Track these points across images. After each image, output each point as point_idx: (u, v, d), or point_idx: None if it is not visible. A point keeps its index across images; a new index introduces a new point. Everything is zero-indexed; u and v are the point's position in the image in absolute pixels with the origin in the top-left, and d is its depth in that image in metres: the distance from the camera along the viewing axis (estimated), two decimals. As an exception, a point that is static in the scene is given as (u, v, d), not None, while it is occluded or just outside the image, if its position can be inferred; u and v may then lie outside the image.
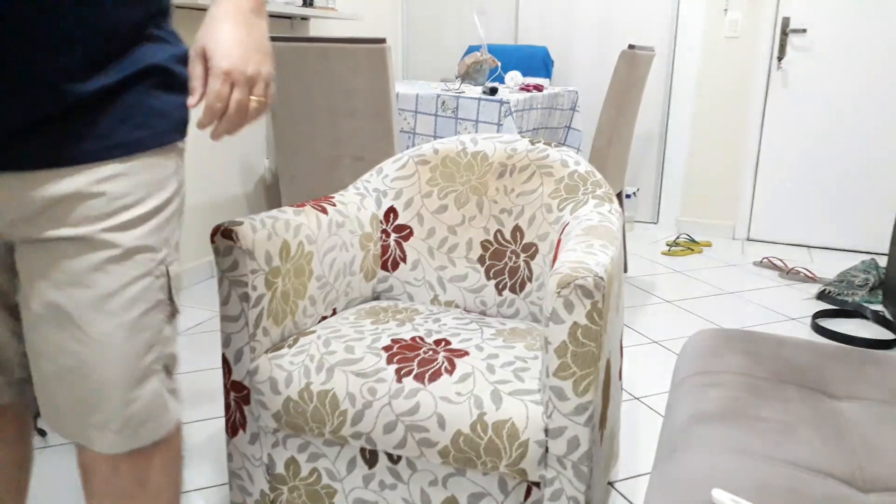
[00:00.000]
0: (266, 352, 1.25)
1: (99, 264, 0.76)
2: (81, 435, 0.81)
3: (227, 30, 0.77)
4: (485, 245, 1.53)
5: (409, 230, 1.57)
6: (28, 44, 0.68)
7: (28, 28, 0.67)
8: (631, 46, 2.46)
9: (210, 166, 2.81)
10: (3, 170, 0.73)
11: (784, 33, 3.37)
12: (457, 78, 3.11)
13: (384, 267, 1.58)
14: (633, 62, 2.50)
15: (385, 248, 1.58)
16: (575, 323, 1.01)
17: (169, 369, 0.86)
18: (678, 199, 3.73)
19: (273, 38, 2.21)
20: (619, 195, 2.94)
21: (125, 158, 0.77)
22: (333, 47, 2.11)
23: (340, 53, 2.09)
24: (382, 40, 2.02)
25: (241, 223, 1.21)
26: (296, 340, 1.27)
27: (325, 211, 1.44)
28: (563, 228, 1.41)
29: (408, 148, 2.57)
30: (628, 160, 3.00)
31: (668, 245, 3.48)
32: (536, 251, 1.48)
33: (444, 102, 2.48)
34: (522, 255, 1.50)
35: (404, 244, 1.57)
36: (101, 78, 0.73)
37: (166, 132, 0.81)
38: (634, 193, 3.75)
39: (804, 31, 3.35)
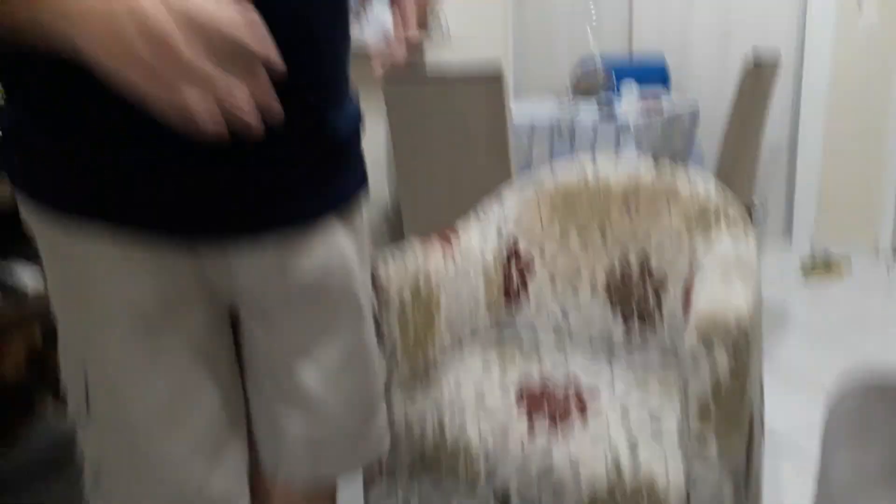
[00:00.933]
0: (399, 387, 1.27)
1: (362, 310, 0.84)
2: (330, 466, 0.85)
3: None
4: (610, 276, 1.49)
5: (531, 261, 1.56)
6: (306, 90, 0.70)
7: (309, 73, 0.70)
8: (756, 64, 2.33)
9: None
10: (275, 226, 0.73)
11: (931, 29, 3.09)
12: (569, 94, 3.07)
13: (507, 298, 1.57)
14: (758, 78, 2.37)
15: (507, 279, 1.57)
16: (717, 376, 0.96)
17: None
18: (811, 210, 3.48)
19: (390, 81, 2.28)
20: (748, 212, 2.79)
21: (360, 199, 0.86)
22: (451, 85, 2.14)
23: (458, 90, 2.12)
24: (499, 77, 2.02)
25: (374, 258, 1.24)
26: (426, 378, 1.28)
27: (449, 243, 1.45)
28: (696, 260, 1.35)
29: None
30: (756, 174, 2.84)
31: (802, 265, 3.25)
32: (666, 283, 1.43)
33: (559, 128, 2.46)
34: (651, 288, 1.45)
35: (527, 275, 1.56)
36: (346, 122, 0.78)
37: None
38: (763, 205, 3.55)
39: (955, 25, 3.06)
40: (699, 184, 1.47)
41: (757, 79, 2.39)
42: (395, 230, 3.28)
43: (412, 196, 2.42)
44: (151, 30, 0.48)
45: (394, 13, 0.78)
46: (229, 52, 0.51)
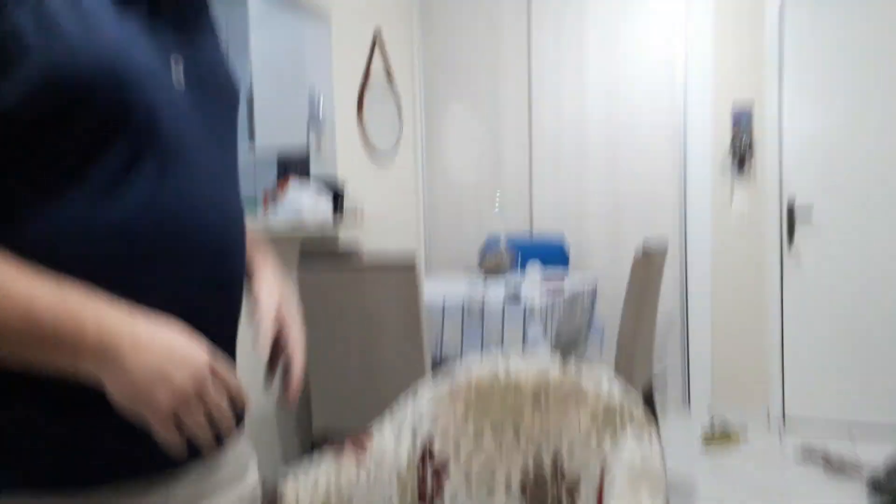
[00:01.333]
0: None
1: None
2: None
3: (281, 285, 0.94)
4: (525, 477, 1.50)
5: (446, 461, 1.55)
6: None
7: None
8: (646, 253, 2.55)
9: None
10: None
11: (791, 214, 3.49)
12: (479, 274, 3.21)
13: (421, 502, 1.54)
14: (649, 264, 2.58)
15: (422, 482, 1.55)
16: None
17: None
18: (707, 382, 3.68)
19: (303, 267, 2.33)
20: (648, 391, 2.91)
21: None
22: (365, 273, 2.20)
23: (372, 277, 2.19)
24: (413, 266, 2.11)
25: (285, 482, 1.20)
26: None
27: (363, 448, 1.43)
28: (606, 463, 1.38)
29: (434, 356, 2.60)
30: (654, 349, 3.01)
31: (704, 436, 3.36)
32: (579, 485, 1.45)
33: (469, 310, 2.54)
34: (565, 489, 1.46)
35: (442, 476, 1.55)
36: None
37: None
38: (662, 376, 3.72)
39: (810, 210, 3.47)
40: (604, 383, 1.54)
41: (647, 266, 2.60)
42: (304, 426, 3.18)
43: (324, 386, 2.39)
44: (177, 391, 0.63)
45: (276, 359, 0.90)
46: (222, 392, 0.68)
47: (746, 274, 3.61)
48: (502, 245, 3.21)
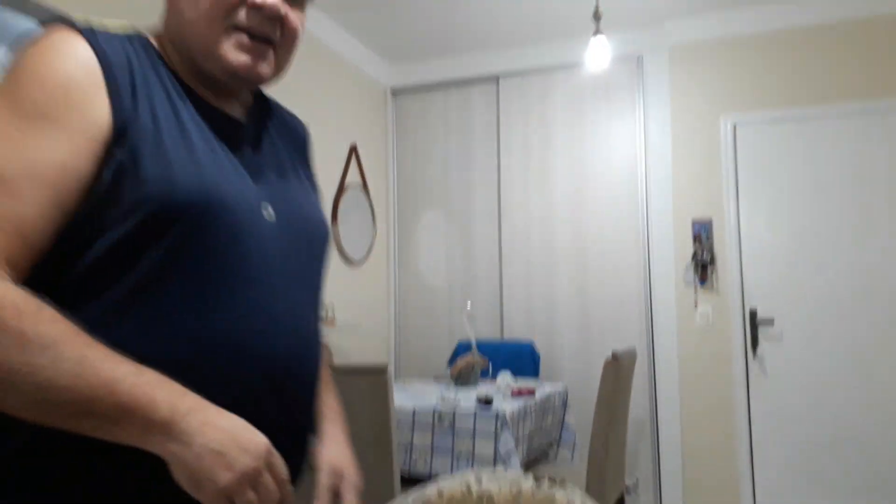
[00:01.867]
0: None
1: None
2: None
3: (347, 452, 1.00)
4: None
5: (416, 582, 1.50)
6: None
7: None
8: (616, 357, 2.59)
9: None
10: None
11: (754, 325, 3.59)
12: (450, 381, 3.20)
13: None
14: (618, 370, 2.62)
15: None
16: None
17: None
18: (679, 489, 3.64)
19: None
20: (620, 501, 2.87)
21: None
22: (336, 377, 2.19)
23: (342, 382, 2.17)
24: (384, 369, 2.11)
25: None
26: None
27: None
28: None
29: (404, 462, 2.55)
30: (625, 458, 2.98)
31: (676, 543, 3.31)
32: None
33: (440, 416, 2.53)
34: None
35: None
36: None
37: None
38: (634, 485, 3.67)
39: (772, 321, 3.57)
40: (577, 499, 1.53)
41: (617, 371, 2.63)
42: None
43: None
44: (237, 473, 0.66)
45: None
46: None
47: (713, 382, 3.65)
48: (473, 351, 3.22)
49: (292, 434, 0.85)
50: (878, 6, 3.48)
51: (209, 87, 0.86)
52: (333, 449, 0.96)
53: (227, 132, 0.85)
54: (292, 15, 0.85)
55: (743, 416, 3.57)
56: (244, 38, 0.82)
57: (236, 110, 0.90)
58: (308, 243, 0.89)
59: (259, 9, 0.80)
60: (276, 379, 0.80)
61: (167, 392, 0.66)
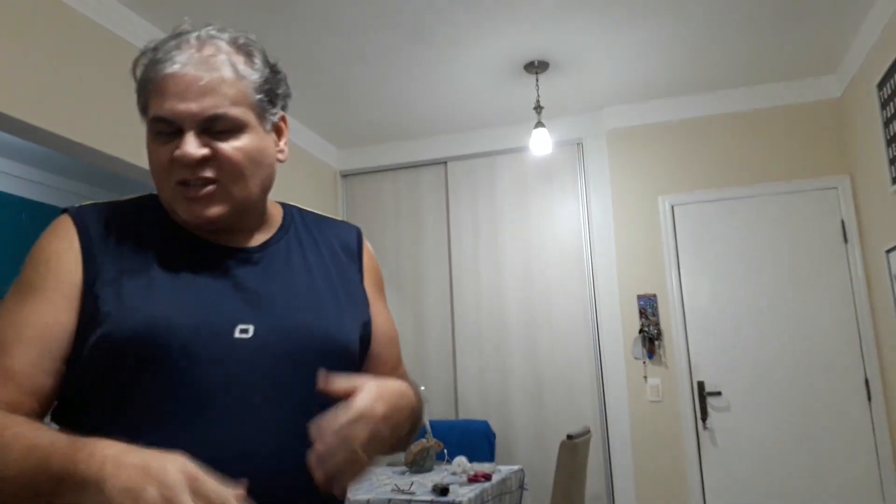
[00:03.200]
0: None
1: None
2: None
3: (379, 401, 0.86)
4: None
5: None
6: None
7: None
8: (570, 437, 2.62)
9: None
10: None
11: (702, 396, 3.68)
12: (404, 467, 3.16)
13: None
14: (574, 450, 2.64)
15: None
16: None
17: None
18: (638, 566, 3.62)
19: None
20: (581, 583, 2.84)
21: None
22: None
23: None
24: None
25: None
26: None
27: None
28: None
29: (362, 556, 2.49)
30: (583, 538, 2.98)
31: None
32: None
33: (394, 507, 2.49)
34: None
35: None
36: None
37: None
38: (593, 564, 3.63)
39: (719, 393, 3.67)
40: None
41: (572, 451, 2.65)
42: None
43: None
44: None
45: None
46: None
47: (666, 454, 3.70)
48: (428, 435, 3.20)
49: None
50: (801, 95, 3.76)
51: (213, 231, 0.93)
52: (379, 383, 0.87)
53: (222, 263, 0.91)
54: (224, 147, 0.87)
55: (696, 486, 3.62)
56: (183, 191, 0.87)
57: (249, 239, 0.96)
58: (298, 355, 0.88)
59: (180, 162, 0.86)
60: (257, 498, 0.78)
61: (89, 446, 0.70)
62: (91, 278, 0.85)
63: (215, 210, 0.88)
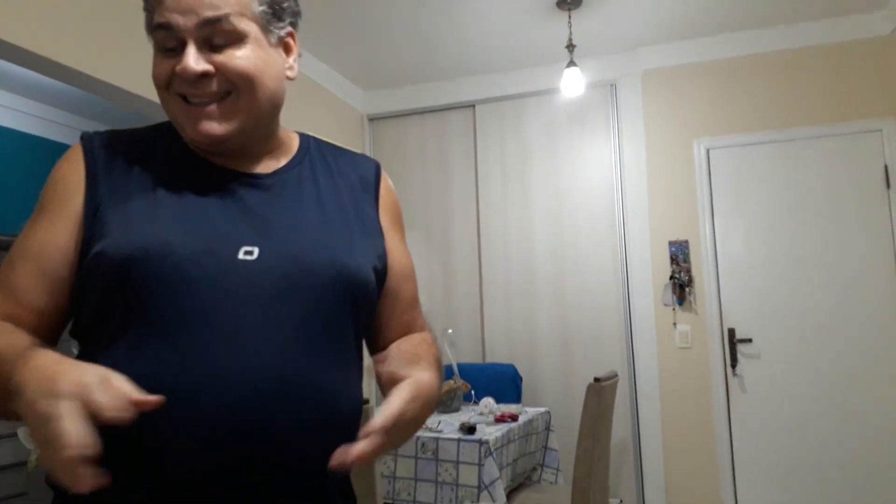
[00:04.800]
0: None
1: None
2: None
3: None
4: None
5: None
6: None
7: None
8: (596, 379, 2.61)
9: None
10: None
11: (732, 343, 3.63)
12: (432, 408, 3.19)
13: None
14: (601, 393, 2.63)
15: None
16: None
17: None
18: (663, 509, 3.65)
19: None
20: (605, 523, 2.87)
21: None
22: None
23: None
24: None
25: None
26: None
27: None
28: None
29: (388, 493, 2.54)
30: (608, 478, 2.99)
31: (661, 564, 3.31)
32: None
33: (423, 444, 2.52)
34: None
35: None
36: None
37: None
38: (618, 505, 3.67)
39: (750, 340, 3.62)
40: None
41: (600, 393, 2.64)
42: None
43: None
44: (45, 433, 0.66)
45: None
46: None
47: (694, 400, 3.68)
48: (455, 377, 3.22)
49: (286, 476, 0.81)
50: (846, 33, 3.58)
51: (222, 153, 0.91)
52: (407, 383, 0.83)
53: (231, 187, 0.89)
54: (226, 58, 0.84)
55: (724, 432, 3.60)
56: (187, 108, 0.86)
57: (261, 165, 0.94)
58: (304, 282, 0.85)
59: (181, 76, 0.83)
60: (241, 423, 0.76)
61: (26, 359, 0.72)
62: (94, 200, 0.86)
63: (222, 127, 0.86)
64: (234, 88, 0.85)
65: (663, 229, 3.83)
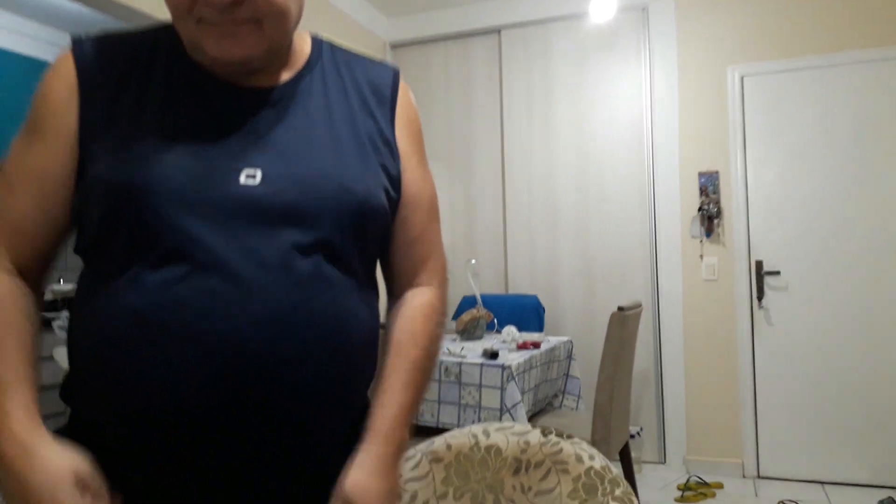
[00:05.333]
0: None
1: None
2: None
3: (375, 485, 0.83)
4: (505, 546, 1.49)
5: (425, 530, 1.54)
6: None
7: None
8: (620, 308, 2.60)
9: None
10: None
11: (760, 276, 3.59)
12: (456, 335, 3.22)
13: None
14: (624, 322, 2.63)
15: (402, 552, 1.53)
16: None
17: None
18: (682, 438, 3.69)
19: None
20: (625, 448, 2.92)
21: None
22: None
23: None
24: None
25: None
26: None
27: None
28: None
29: (413, 415, 2.59)
30: (629, 407, 3.02)
31: (679, 489, 3.38)
32: None
33: (446, 369, 2.55)
34: (545, 558, 1.45)
35: (421, 545, 1.53)
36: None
37: None
38: (639, 433, 3.72)
39: (778, 272, 3.57)
40: (585, 458, 1.56)
41: (623, 322, 2.64)
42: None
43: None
44: None
45: None
46: None
47: (718, 332, 3.67)
48: (478, 305, 3.24)
49: (290, 410, 0.78)
50: (892, -52, 3.38)
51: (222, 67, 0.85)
52: (355, 474, 0.82)
53: (234, 103, 0.84)
54: None
55: (747, 364, 3.60)
56: (209, 28, 0.79)
57: (269, 78, 0.87)
58: (310, 210, 0.80)
59: (209, 2, 0.77)
60: (232, 359, 0.73)
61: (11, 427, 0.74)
62: (88, 117, 0.82)
63: (250, 50, 0.81)
64: (263, 18, 0.79)
65: (693, 160, 3.74)
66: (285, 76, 0.89)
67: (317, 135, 0.86)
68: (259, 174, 0.79)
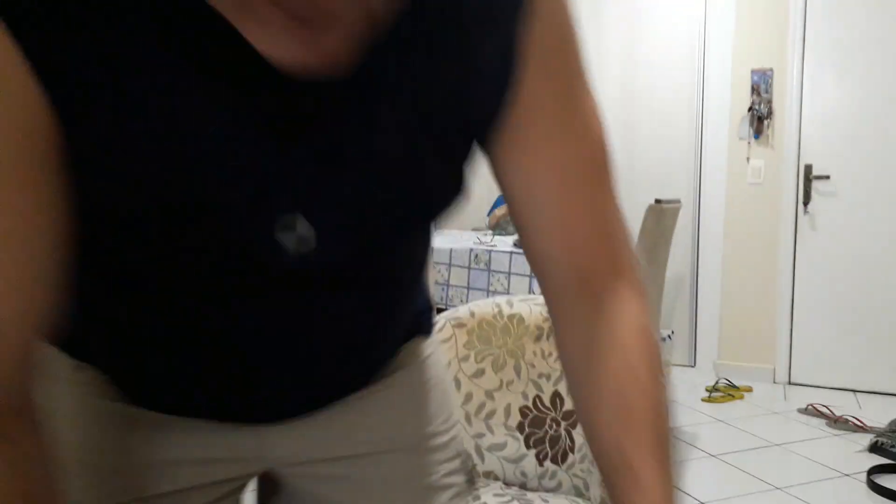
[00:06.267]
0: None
1: None
2: None
3: None
4: (524, 411, 1.50)
5: (446, 394, 1.56)
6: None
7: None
8: (658, 201, 2.53)
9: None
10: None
11: (808, 179, 3.44)
12: (488, 230, 3.21)
13: (421, 433, 1.56)
14: (661, 216, 2.56)
15: (422, 414, 1.56)
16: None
17: None
18: (714, 342, 3.67)
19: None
20: (654, 343, 2.90)
21: None
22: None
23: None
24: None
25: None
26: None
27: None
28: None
29: (441, 298, 2.61)
30: (661, 307, 3.00)
31: (707, 391, 3.38)
32: (577, 421, 1.45)
33: (476, 256, 2.54)
34: (563, 423, 1.47)
35: (441, 409, 1.56)
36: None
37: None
38: (669, 336, 3.70)
39: (827, 177, 3.42)
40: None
41: (659, 218, 2.57)
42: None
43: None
44: None
45: None
46: None
47: (760, 236, 3.57)
48: (513, 199, 3.19)
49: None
50: None
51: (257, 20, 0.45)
52: None
53: (276, 100, 0.48)
54: None
55: (787, 271, 3.52)
56: None
57: (330, 41, 0.47)
58: (364, 274, 0.62)
59: None
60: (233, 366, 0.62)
61: None
62: (63, 113, 0.44)
63: None
64: None
65: (747, 55, 3.53)
66: (351, 42, 0.48)
67: (387, 151, 0.54)
68: (299, 227, 0.53)
